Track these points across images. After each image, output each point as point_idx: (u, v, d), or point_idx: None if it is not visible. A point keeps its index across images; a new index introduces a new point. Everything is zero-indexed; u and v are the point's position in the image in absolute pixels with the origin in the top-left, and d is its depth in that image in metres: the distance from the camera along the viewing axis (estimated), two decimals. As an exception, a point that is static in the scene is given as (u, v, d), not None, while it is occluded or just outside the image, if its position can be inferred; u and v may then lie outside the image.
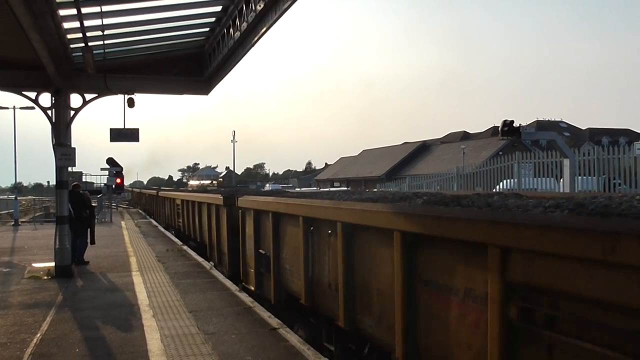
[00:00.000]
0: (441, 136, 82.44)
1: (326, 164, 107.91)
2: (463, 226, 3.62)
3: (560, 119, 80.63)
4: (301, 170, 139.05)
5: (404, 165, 60.83)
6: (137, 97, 12.63)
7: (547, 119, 78.19)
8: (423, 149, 64.17)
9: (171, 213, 22.94)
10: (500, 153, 34.60)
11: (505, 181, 20.82)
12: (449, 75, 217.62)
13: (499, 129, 17.38)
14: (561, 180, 17.84)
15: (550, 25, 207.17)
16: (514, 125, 16.73)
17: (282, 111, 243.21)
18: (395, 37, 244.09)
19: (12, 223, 29.50)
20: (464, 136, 77.91)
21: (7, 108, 31.44)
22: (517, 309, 3.25)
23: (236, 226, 10.56)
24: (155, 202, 31.52)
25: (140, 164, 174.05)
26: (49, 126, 12.04)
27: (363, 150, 77.70)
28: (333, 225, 5.82)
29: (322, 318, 6.60)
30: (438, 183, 25.30)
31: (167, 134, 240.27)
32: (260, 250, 8.87)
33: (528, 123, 68.09)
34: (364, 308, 5.32)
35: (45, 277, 11.58)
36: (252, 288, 9.36)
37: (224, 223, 11.82)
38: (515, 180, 20.18)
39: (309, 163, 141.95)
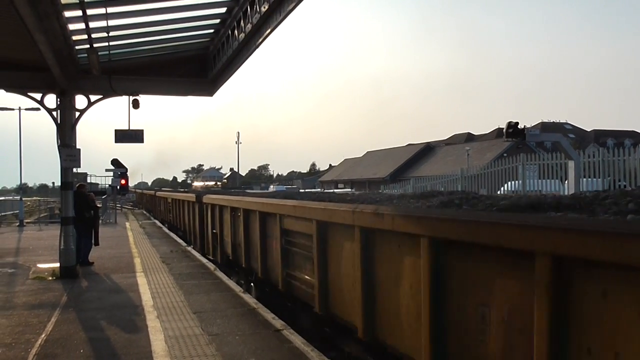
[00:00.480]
0: (445, 138, 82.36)
1: (330, 165, 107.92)
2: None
3: (565, 121, 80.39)
4: (305, 171, 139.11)
5: (408, 167, 60.80)
6: (142, 98, 12.67)
7: (551, 121, 77.98)
8: (427, 150, 64.14)
9: (165, 209, 28.21)
10: (505, 155, 34.54)
11: (509, 183, 20.77)
12: (453, 76, 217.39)
13: (504, 130, 17.36)
14: (566, 182, 17.79)
15: (555, 27, 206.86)
16: (519, 126, 16.71)
17: (287, 112, 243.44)
18: (401, 38, 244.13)
19: (17, 224, 29.63)
20: (469, 138, 77.81)
21: (13, 109, 31.50)
22: None
23: (202, 216, 15.13)
24: (153, 201, 36.66)
25: (144, 166, 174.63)
26: (54, 127, 12.06)
27: (367, 152, 77.70)
28: (239, 210, 10.64)
29: (240, 267, 11.19)
30: (442, 185, 25.27)
31: (172, 136, 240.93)
32: (214, 231, 13.59)
33: (533, 125, 67.91)
34: (253, 256, 9.90)
35: (50, 278, 11.61)
36: (211, 257, 13.95)
37: (196, 214, 16.17)
38: (520, 182, 20.13)
39: (313, 164, 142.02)
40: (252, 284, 10.55)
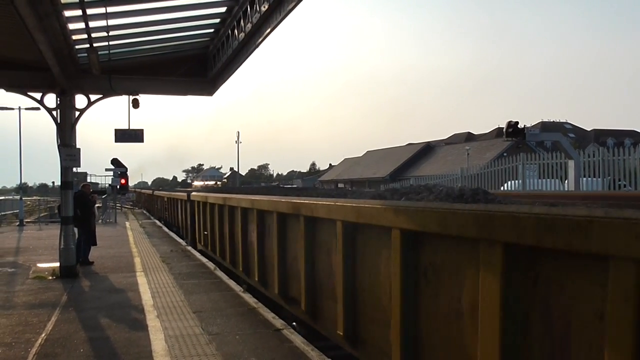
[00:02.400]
0: (445, 137, 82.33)
1: (330, 164, 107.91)
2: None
3: (565, 120, 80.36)
4: (305, 170, 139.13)
5: (408, 167, 60.79)
6: (142, 98, 12.69)
7: (551, 120, 77.95)
8: (427, 150, 64.12)
9: (161, 207, 30.51)
10: (505, 154, 34.54)
11: (509, 182, 20.77)
12: (453, 76, 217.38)
13: (504, 130, 17.36)
14: (566, 181, 17.80)
15: (554, 26, 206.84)
16: (519, 126, 16.71)
17: (287, 112, 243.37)
18: (400, 38, 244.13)
19: (17, 223, 29.64)
20: (469, 137, 77.79)
21: (13, 109, 31.48)
22: None
23: (192, 212, 16.99)
24: (151, 200, 38.78)
25: (144, 165, 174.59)
26: (54, 127, 12.07)
27: (367, 151, 77.68)
28: (216, 205, 12.44)
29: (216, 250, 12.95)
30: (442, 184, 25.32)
31: (172, 135, 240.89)
32: (200, 224, 15.61)
33: (533, 124, 67.88)
34: (222, 245, 11.98)
35: (50, 277, 11.61)
36: (198, 247, 15.93)
37: (187, 211, 18.15)
38: (520, 181, 20.13)
39: (313, 164, 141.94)
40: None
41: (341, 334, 5.57)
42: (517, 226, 3.06)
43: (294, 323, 7.47)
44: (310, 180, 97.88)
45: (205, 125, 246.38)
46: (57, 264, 12.01)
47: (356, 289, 5.41)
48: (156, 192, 36.11)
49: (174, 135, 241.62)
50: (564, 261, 2.91)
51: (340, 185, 69.09)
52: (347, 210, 5.29)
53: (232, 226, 11.03)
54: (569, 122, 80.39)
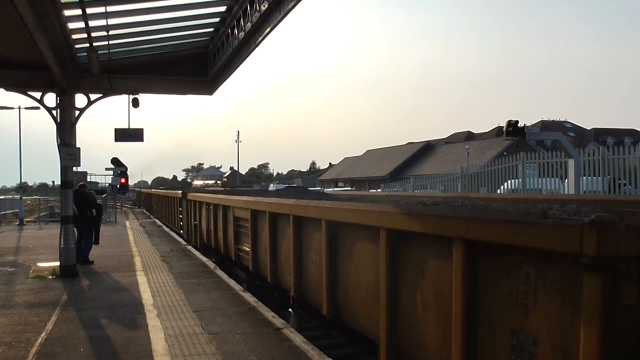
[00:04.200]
0: (445, 136, 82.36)
1: (330, 164, 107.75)
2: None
3: (565, 119, 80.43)
4: (305, 170, 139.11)
5: (408, 166, 60.79)
6: (143, 97, 12.68)
7: (551, 119, 77.98)
8: (427, 149, 64.13)
9: (159, 206, 31.53)
10: (505, 153, 34.52)
11: (509, 181, 20.77)
12: (453, 75, 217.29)
13: (504, 129, 17.34)
14: (566, 180, 17.80)
15: (555, 25, 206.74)
16: (519, 125, 16.70)
17: (287, 111, 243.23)
18: (401, 36, 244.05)
19: (17, 223, 29.63)
20: (468, 136, 77.81)
21: (13, 108, 31.39)
22: None
23: (187, 210, 18.35)
24: (150, 198, 39.79)
25: (145, 164, 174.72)
26: (54, 126, 12.07)
27: (367, 150, 77.69)
28: (211, 204, 13.54)
29: (212, 248, 13.92)
30: (442, 183, 25.28)
31: (173, 135, 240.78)
32: (194, 222, 16.70)
33: (533, 123, 67.95)
34: (216, 238, 13.13)
35: (50, 277, 11.62)
36: (193, 242, 17.03)
37: (183, 209, 19.49)
38: (520, 180, 20.13)
39: (313, 163, 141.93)
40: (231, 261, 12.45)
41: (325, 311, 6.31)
42: (395, 219, 4.60)
43: (290, 309, 7.98)
44: (310, 180, 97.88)
45: (206, 125, 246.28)
46: (57, 264, 12.02)
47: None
48: (154, 191, 37.61)
49: (174, 134, 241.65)
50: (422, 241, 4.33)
51: (340, 184, 69.10)
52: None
53: (209, 217, 14.21)
54: (569, 121, 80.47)
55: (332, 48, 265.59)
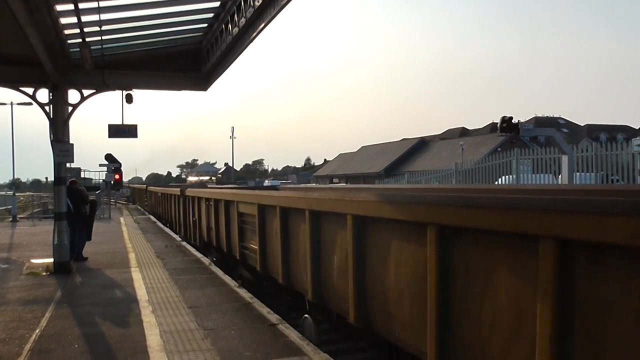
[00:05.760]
0: (440, 132, 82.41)
1: (325, 160, 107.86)
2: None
3: (558, 116, 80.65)
4: (300, 166, 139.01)
5: (402, 162, 60.87)
6: (137, 93, 12.61)
7: (545, 115, 78.20)
8: (421, 145, 64.23)
9: (155, 202, 31.08)
10: (499, 149, 34.64)
11: (503, 177, 20.84)
12: (447, 71, 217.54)
13: (498, 125, 17.40)
14: (559, 176, 17.87)
15: (549, 22, 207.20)
16: (513, 121, 16.74)
17: (282, 107, 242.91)
18: (392, 32, 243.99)
19: (10, 219, 29.50)
20: (463, 132, 77.90)
21: (5, 104, 31.32)
22: None
23: (185, 207, 17.78)
24: (145, 195, 39.81)
25: (139, 161, 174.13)
26: (47, 122, 12.00)
27: (362, 147, 77.73)
28: (211, 200, 12.95)
29: (212, 245, 13.49)
30: (437, 179, 25.34)
31: (166, 131, 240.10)
32: (193, 218, 16.13)
33: (526, 119, 67.95)
34: (213, 234, 12.93)
35: (44, 274, 11.57)
36: (192, 241, 16.39)
37: (180, 206, 19.00)
38: (514, 176, 20.20)
39: (308, 159, 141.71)
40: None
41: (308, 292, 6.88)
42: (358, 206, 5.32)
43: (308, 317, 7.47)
44: (305, 176, 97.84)
45: (201, 122, 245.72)
46: (51, 260, 11.97)
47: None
48: (150, 188, 36.98)
49: (169, 131, 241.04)
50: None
51: (335, 180, 69.12)
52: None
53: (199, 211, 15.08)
54: (562, 117, 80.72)
55: (328, 46, 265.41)
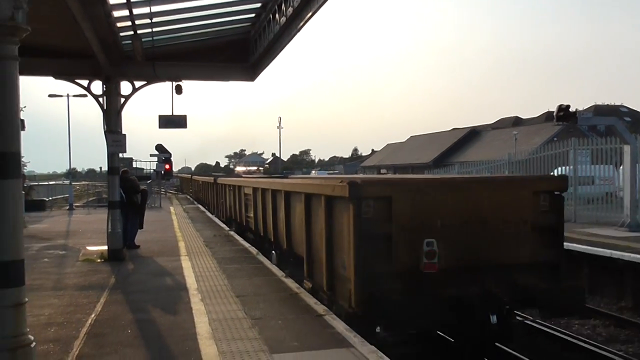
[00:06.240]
0: (492, 122, 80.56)
1: (373, 150, 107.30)
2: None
3: (620, 104, 77.37)
4: (347, 156, 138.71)
5: (452, 152, 59.90)
6: (186, 84, 12.85)
7: (606, 104, 75.17)
8: (473, 135, 62.99)
9: (197, 189, 38.05)
10: (555, 139, 33.59)
11: (560, 168, 20.21)
12: (499, 59, 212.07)
13: (554, 114, 16.84)
14: (621, 167, 17.20)
15: (610, 5, 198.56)
16: (570, 110, 16.19)
17: (329, 99, 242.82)
18: (442, 19, 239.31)
19: (67, 207, 30.70)
20: (516, 122, 75.84)
21: (62, 96, 32.21)
22: None
23: (219, 193, 22.93)
24: (190, 183, 47.12)
25: (189, 151, 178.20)
26: (100, 113, 12.42)
27: (410, 137, 76.95)
28: (233, 186, 18.03)
29: (233, 219, 18.27)
30: (489, 170, 24.82)
31: (215, 122, 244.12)
32: (221, 200, 21.69)
33: (585, 108, 65.69)
34: (235, 211, 17.98)
35: (99, 260, 12.01)
36: (223, 219, 20.78)
37: (214, 191, 24.77)
38: (571, 167, 19.56)
39: (355, 149, 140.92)
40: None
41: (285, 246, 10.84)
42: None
43: (273, 252, 12.18)
44: (353, 167, 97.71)
45: (248, 113, 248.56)
46: (105, 247, 12.41)
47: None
48: (194, 177, 44.63)
49: (217, 122, 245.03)
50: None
51: (383, 171, 68.74)
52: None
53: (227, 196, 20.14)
54: (624, 105, 77.40)
55: (377, 38, 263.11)
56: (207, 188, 29.18)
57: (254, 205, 14.08)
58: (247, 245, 14.08)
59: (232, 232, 16.93)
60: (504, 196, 7.75)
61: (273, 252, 12.14)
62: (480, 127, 67.46)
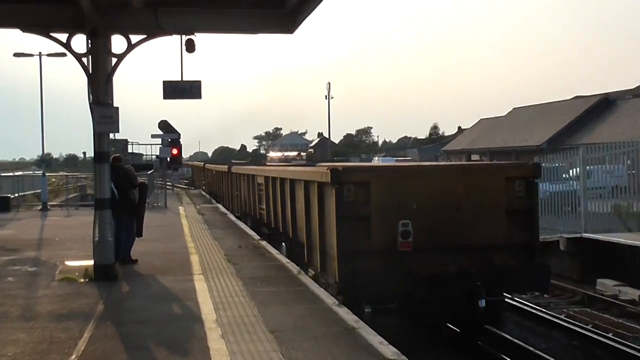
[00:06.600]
0: (632, 86, 78.22)
1: (459, 128, 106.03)
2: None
3: None
4: (423, 137, 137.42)
5: (574, 130, 58.42)
6: (200, 39, 12.80)
7: None
8: (604, 105, 61.19)
9: (211, 181, 41.63)
10: None
11: None
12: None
13: None
14: None
15: None
16: None
17: (399, 58, 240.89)
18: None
19: (40, 207, 31.20)
20: (669, 85, 73.47)
21: (32, 55, 31.78)
22: None
23: (233, 183, 27.14)
24: (202, 174, 50.69)
25: (204, 131, 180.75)
26: (84, 79, 12.47)
27: (513, 109, 75.54)
28: (247, 175, 23.36)
29: (250, 215, 23.09)
30: (629, 155, 23.98)
31: (241, 92, 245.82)
32: (236, 193, 26.43)
33: None
34: (249, 203, 23.25)
35: (82, 280, 12.21)
36: (238, 214, 25.23)
37: (228, 182, 29.36)
38: None
39: (435, 127, 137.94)
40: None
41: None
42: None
43: (283, 243, 16.45)
44: (431, 150, 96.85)
45: (286, 81, 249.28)
46: (91, 262, 12.56)
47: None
48: (207, 166, 48.47)
49: (244, 93, 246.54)
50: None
51: (475, 157, 67.81)
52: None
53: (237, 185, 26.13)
54: None
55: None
56: (221, 178, 33.58)
57: (265, 196, 18.54)
58: (283, 260, 14.13)
59: (263, 243, 17.01)
60: (477, 182, 11.85)
61: (283, 243, 16.39)
62: (615, 93, 65.57)
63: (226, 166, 31.55)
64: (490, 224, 11.63)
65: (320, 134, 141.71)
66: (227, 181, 30.05)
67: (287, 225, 15.55)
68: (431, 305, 11.55)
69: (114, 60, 12.62)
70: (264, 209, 19.11)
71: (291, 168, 18.13)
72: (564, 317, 15.03)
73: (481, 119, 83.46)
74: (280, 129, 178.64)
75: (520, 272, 11.80)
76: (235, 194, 26.81)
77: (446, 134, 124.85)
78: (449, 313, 12.35)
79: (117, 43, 12.71)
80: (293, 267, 13.17)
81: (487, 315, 11.59)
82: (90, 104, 12.47)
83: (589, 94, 67.15)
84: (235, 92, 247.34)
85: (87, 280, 12.21)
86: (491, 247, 11.60)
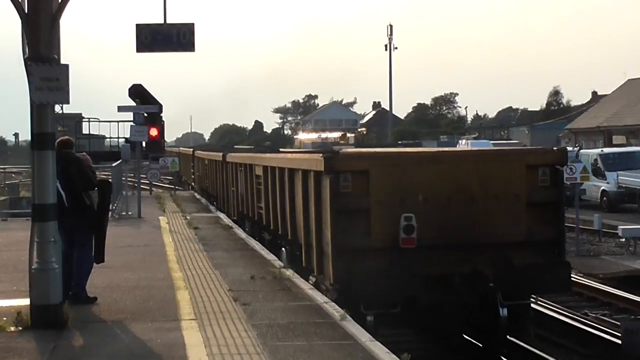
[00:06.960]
0: None
1: (595, 94, 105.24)
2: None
3: None
4: (537, 108, 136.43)
5: None
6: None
7: None
8: None
9: (202, 174, 47.06)
10: None
11: None
12: None
13: None
14: None
15: None
16: None
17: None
18: None
19: (-49, 218, 31.80)
20: None
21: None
22: None
23: (228, 176, 32.90)
24: (191, 164, 57.66)
25: (201, 103, 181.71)
26: (18, 23, 12.61)
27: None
28: (243, 164, 29.22)
29: (248, 218, 28.96)
30: None
31: (255, 44, 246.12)
32: (232, 189, 32.33)
33: None
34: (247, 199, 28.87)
35: (12, 329, 12.20)
36: (234, 218, 32.18)
37: (222, 174, 35.11)
38: None
39: (556, 94, 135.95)
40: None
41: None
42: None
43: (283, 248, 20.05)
44: (549, 128, 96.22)
45: (323, 24, 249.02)
46: (26, 302, 12.68)
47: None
48: (196, 153, 53.06)
49: (260, 47, 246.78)
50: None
51: (618, 138, 67.16)
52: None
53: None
54: None
55: None
56: (214, 170, 38.54)
57: (264, 191, 22.32)
58: (318, 297, 14.12)
59: (288, 272, 17.01)
60: (493, 170, 14.58)
61: (283, 248, 20.00)
62: None
63: (220, 153, 35.75)
64: (508, 218, 14.49)
65: (377, 105, 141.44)
66: (221, 174, 34.53)
67: (286, 225, 18.99)
68: (439, 311, 13.98)
69: (61, -4, 12.66)
70: (263, 207, 22.83)
71: (290, 155, 21.81)
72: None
73: (629, 80, 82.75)
74: (316, 96, 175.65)
75: (542, 272, 14.74)
76: (231, 190, 31.03)
77: (573, 103, 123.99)
78: (460, 321, 14.90)
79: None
80: (333, 310, 13.16)
81: (510, 325, 14.05)
82: (25, 59, 12.53)
83: None
84: (248, 43, 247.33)
85: (21, 328, 12.20)
86: (509, 245, 14.49)
